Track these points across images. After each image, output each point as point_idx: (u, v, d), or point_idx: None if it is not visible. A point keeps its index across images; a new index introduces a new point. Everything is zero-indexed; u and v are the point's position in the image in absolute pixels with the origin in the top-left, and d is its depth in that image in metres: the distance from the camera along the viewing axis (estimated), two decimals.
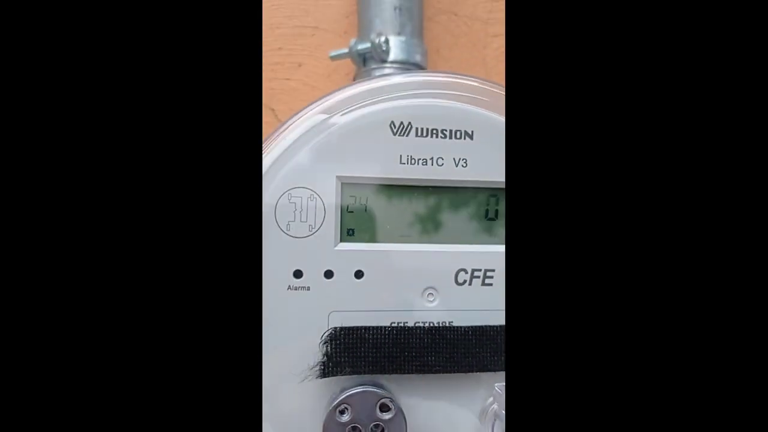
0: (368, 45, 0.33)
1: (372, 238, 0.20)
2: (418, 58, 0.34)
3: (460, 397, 0.21)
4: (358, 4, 0.36)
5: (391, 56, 0.33)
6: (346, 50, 0.34)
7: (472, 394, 0.21)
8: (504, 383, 0.20)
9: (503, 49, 0.42)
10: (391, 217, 0.21)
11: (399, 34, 0.34)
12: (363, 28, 0.35)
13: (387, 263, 0.20)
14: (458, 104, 0.21)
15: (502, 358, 0.20)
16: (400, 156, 0.20)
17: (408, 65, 0.34)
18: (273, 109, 0.39)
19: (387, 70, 0.34)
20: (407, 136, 0.20)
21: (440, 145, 0.21)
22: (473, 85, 0.21)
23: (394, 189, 0.21)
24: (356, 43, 0.34)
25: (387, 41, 0.33)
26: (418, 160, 0.20)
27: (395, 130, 0.20)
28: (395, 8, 0.34)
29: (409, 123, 0.20)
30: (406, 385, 0.20)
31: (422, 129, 0.20)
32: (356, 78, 0.35)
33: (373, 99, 0.20)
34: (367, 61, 0.34)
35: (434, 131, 0.21)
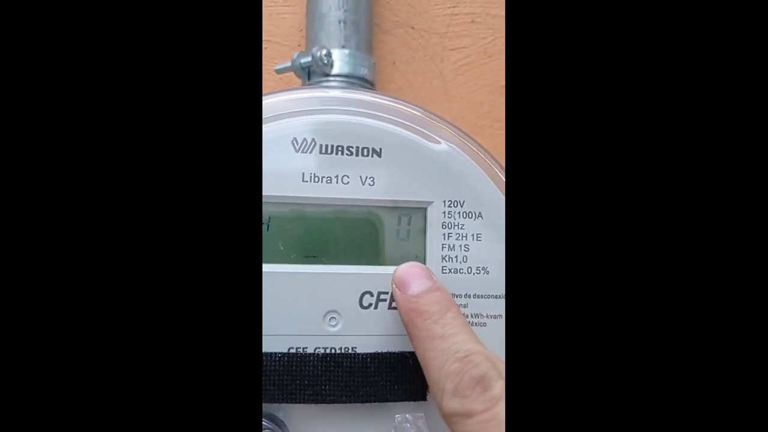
0: (310, 59, 0.32)
1: (272, 259, 0.20)
2: (364, 71, 0.34)
3: (360, 429, 0.19)
4: (306, 18, 0.36)
5: (335, 70, 0.33)
6: (289, 64, 0.34)
7: (372, 425, 0.19)
8: (405, 415, 0.19)
9: (461, 63, 0.41)
10: (292, 238, 0.20)
11: (343, 47, 0.33)
12: (309, 42, 0.35)
13: (286, 285, 0.19)
14: (365, 120, 0.20)
15: (403, 387, 0.19)
16: (303, 174, 0.20)
17: (353, 79, 0.33)
18: None
19: (332, 83, 0.33)
20: (310, 153, 0.20)
21: (346, 162, 0.20)
22: (383, 103, 0.20)
23: (297, 208, 0.20)
24: (299, 57, 0.33)
25: (329, 54, 0.32)
26: (322, 178, 0.20)
27: (297, 147, 0.20)
28: (339, 21, 0.33)
29: (313, 140, 0.20)
30: (302, 416, 0.19)
31: (326, 146, 0.20)
32: None
33: (274, 113, 0.19)
34: (311, 75, 0.33)
35: (339, 148, 0.20)
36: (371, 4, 0.36)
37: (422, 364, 0.18)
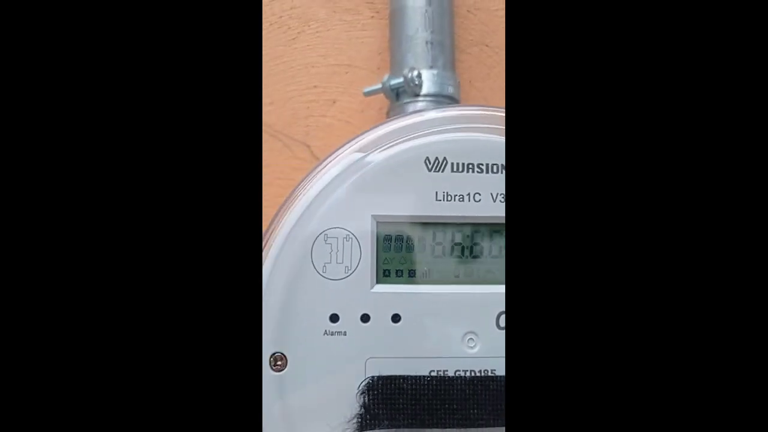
0: (401, 80, 0.33)
1: (409, 280, 0.20)
2: (450, 90, 0.34)
3: None
4: (390, 41, 0.37)
5: (424, 90, 0.33)
6: (379, 86, 0.34)
7: None
8: None
9: None
10: (427, 257, 0.20)
11: (431, 67, 0.34)
12: (395, 64, 0.35)
13: (424, 306, 0.19)
14: (495, 137, 0.20)
15: None
16: (436, 192, 0.20)
17: (441, 98, 0.34)
18: (308, 146, 0.40)
19: (420, 104, 0.33)
20: (442, 171, 0.20)
21: (477, 180, 0.20)
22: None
23: (431, 227, 0.20)
24: (389, 79, 0.34)
25: (419, 75, 0.33)
26: (455, 196, 0.20)
27: (430, 166, 0.20)
28: (427, 42, 0.34)
29: (444, 158, 0.20)
30: None
31: (458, 164, 0.20)
32: (390, 113, 0.35)
33: (408, 135, 0.20)
34: (400, 96, 0.34)
35: (470, 166, 0.20)
36: (452, 23, 0.37)
37: None
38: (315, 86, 0.40)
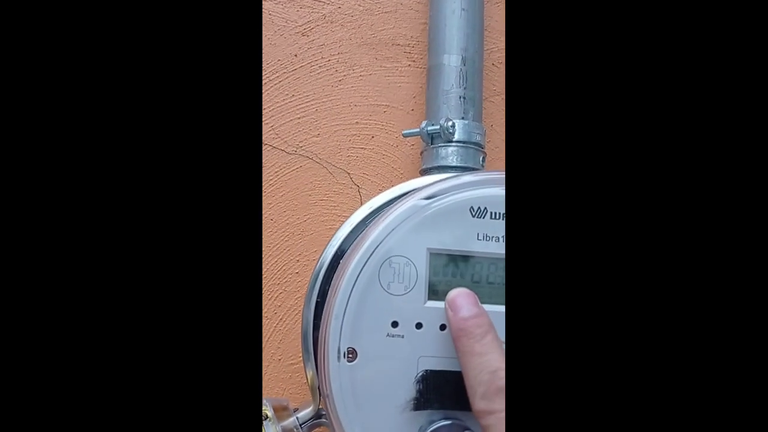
0: (437, 127, 0.39)
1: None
2: (478, 138, 0.40)
3: None
4: (426, 92, 0.43)
5: (455, 137, 0.39)
6: (417, 130, 0.40)
7: None
8: None
9: None
10: (469, 282, 0.26)
11: (463, 118, 0.40)
12: (431, 112, 0.42)
13: None
14: None
15: None
16: (478, 234, 0.26)
17: (469, 144, 0.40)
18: (349, 173, 0.46)
19: (451, 148, 0.40)
20: (483, 218, 0.26)
21: None
22: None
23: (472, 259, 0.26)
24: (426, 125, 0.40)
25: (453, 125, 0.39)
26: (492, 237, 0.26)
27: (474, 214, 0.26)
28: (460, 97, 0.40)
29: (485, 208, 0.26)
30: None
31: (495, 213, 0.26)
32: (423, 153, 0.41)
33: (459, 190, 0.26)
34: (434, 140, 0.40)
35: (504, 215, 0.26)
36: (482, 79, 0.43)
37: (462, 372, 0.22)
38: (357, 122, 0.46)
